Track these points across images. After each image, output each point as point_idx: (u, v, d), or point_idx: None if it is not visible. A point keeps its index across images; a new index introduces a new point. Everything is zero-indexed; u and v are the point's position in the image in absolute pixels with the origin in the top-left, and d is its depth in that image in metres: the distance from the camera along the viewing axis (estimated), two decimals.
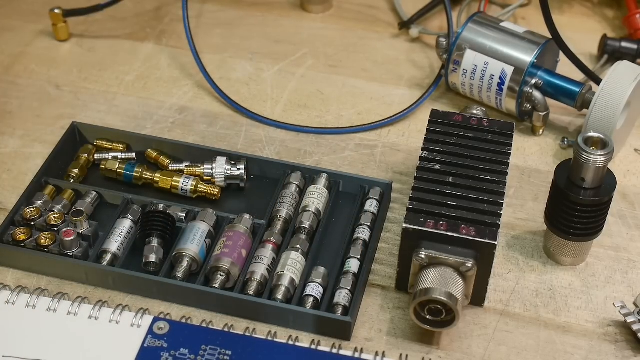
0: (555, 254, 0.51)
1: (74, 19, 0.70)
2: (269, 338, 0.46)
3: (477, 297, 0.47)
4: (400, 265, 0.47)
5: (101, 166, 0.56)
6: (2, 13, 0.72)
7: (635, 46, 0.67)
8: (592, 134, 0.47)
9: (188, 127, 0.61)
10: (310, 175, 0.55)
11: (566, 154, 0.59)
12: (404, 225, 0.45)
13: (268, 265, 0.49)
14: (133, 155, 0.57)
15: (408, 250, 0.46)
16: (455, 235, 0.45)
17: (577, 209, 0.48)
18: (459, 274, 0.45)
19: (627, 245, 0.53)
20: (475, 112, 0.56)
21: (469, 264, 0.45)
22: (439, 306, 0.44)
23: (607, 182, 0.48)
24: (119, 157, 0.57)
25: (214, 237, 0.51)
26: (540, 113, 0.60)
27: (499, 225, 0.46)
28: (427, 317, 0.45)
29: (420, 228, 0.45)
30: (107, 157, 0.57)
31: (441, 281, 0.44)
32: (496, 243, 0.44)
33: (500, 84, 0.60)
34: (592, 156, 0.46)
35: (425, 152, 0.50)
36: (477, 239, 0.44)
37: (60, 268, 0.50)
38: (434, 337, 0.47)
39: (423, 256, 0.45)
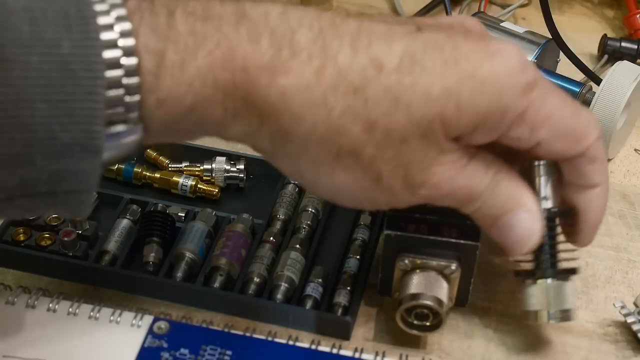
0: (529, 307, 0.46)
1: None
2: (269, 338, 0.46)
3: (461, 298, 0.47)
4: (383, 270, 0.46)
5: None
6: None
7: (635, 46, 0.67)
8: None
9: None
10: None
11: None
12: (385, 231, 0.44)
13: (267, 265, 0.49)
14: None
15: (391, 256, 0.45)
16: (437, 238, 0.44)
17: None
18: (443, 277, 0.45)
19: (627, 245, 0.53)
20: None
21: (453, 267, 0.44)
22: (425, 311, 0.44)
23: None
24: None
25: (213, 237, 0.51)
26: None
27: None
28: (414, 322, 0.45)
29: (402, 233, 0.44)
30: None
31: (427, 285, 0.44)
32: (478, 244, 0.44)
33: None
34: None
35: None
36: (460, 241, 0.44)
37: (60, 268, 0.50)
38: (434, 337, 0.47)
39: (406, 261, 0.45)
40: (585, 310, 0.49)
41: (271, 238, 0.51)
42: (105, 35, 0.32)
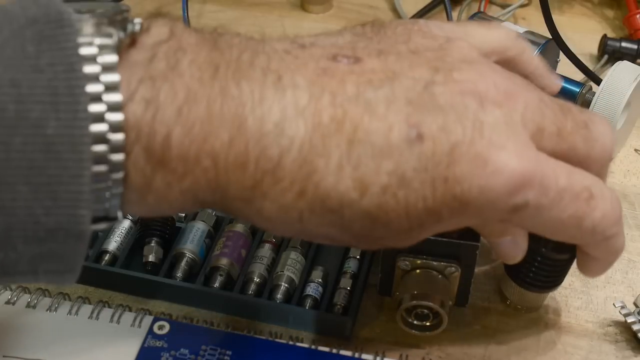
0: (510, 299, 0.49)
1: None
2: (269, 338, 0.46)
3: (461, 298, 0.47)
4: (383, 270, 0.46)
5: None
6: None
7: (635, 46, 0.67)
8: None
9: None
10: None
11: None
12: None
13: (267, 265, 0.49)
14: None
15: (390, 256, 0.45)
16: (438, 238, 0.44)
17: (537, 259, 0.45)
18: (443, 276, 0.45)
19: (627, 245, 0.53)
20: None
21: (453, 267, 0.44)
22: (425, 310, 0.44)
23: None
24: None
25: (213, 237, 0.51)
26: None
27: None
28: (414, 322, 0.45)
29: None
30: None
31: (427, 285, 0.44)
32: (479, 244, 0.44)
33: None
34: None
35: None
36: (460, 241, 0.44)
37: None
38: (435, 337, 0.47)
39: (407, 261, 0.45)
40: (585, 310, 0.49)
41: (271, 238, 0.51)
42: (94, 127, 0.30)
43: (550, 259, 0.45)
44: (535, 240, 0.44)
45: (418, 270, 0.45)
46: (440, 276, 0.45)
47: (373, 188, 0.33)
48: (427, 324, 0.45)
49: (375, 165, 0.33)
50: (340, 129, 0.33)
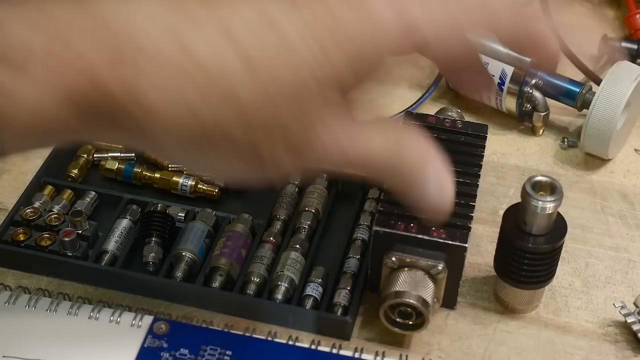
0: (506, 300, 0.49)
1: None
2: (269, 338, 0.46)
3: (448, 299, 0.47)
4: (372, 267, 0.46)
5: (100, 166, 0.56)
6: None
7: (635, 46, 0.67)
8: (540, 178, 0.45)
9: None
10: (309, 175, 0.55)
11: (566, 154, 0.59)
12: (374, 228, 0.45)
13: (267, 265, 0.49)
14: (132, 155, 0.57)
15: (379, 253, 0.45)
16: (426, 237, 0.44)
17: (526, 256, 0.46)
18: (429, 276, 0.45)
19: (627, 245, 0.53)
20: (449, 114, 0.55)
21: (440, 267, 0.44)
22: (409, 309, 0.44)
23: (556, 228, 0.46)
24: (118, 156, 0.57)
25: (213, 237, 0.51)
26: (540, 113, 0.60)
27: (470, 227, 0.45)
28: (397, 319, 0.45)
29: (390, 230, 0.44)
30: (106, 156, 0.57)
31: (412, 284, 0.44)
32: (467, 245, 0.44)
33: (501, 84, 0.60)
34: (540, 202, 0.44)
35: None
36: (448, 242, 0.44)
37: (60, 268, 0.50)
38: (434, 337, 0.47)
39: (394, 259, 0.45)
40: (585, 310, 0.49)
41: (271, 238, 0.51)
42: None
43: (537, 253, 0.45)
44: (520, 237, 0.44)
45: (405, 269, 0.45)
46: (426, 275, 0.45)
47: (256, 58, 0.32)
48: (410, 322, 0.45)
49: (251, 34, 0.33)
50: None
